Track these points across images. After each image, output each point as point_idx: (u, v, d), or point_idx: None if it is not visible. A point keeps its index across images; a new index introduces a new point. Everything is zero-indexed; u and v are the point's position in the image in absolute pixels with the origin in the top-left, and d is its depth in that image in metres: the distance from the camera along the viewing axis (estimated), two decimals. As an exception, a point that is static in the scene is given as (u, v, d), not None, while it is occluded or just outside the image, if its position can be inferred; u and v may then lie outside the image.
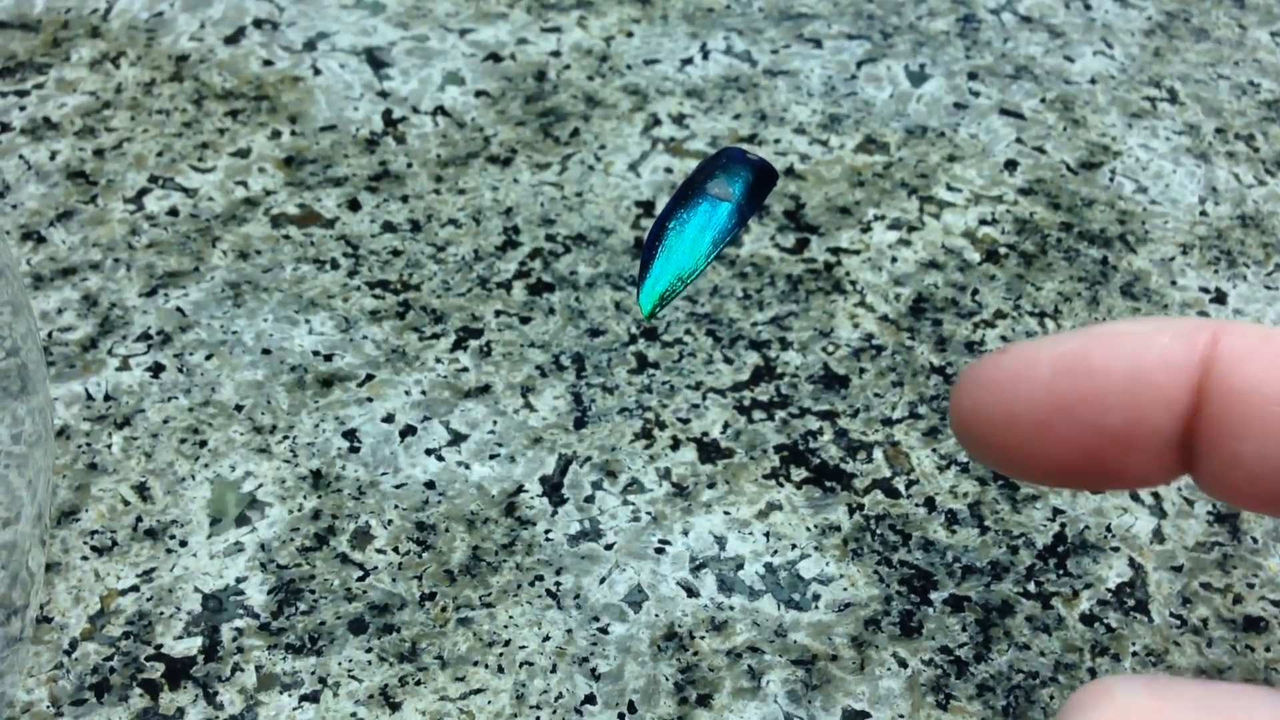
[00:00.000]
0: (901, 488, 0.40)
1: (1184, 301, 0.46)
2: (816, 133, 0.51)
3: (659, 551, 0.38)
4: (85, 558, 0.37)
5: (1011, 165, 0.50)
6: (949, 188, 0.49)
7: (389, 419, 0.41)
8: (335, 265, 0.45)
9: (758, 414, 0.42)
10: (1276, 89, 0.54)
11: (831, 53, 0.54)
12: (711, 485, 0.40)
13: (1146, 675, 0.13)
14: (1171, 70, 0.55)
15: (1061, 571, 0.38)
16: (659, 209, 0.47)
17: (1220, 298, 0.46)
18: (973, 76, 0.54)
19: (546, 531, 0.38)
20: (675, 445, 0.41)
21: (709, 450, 0.41)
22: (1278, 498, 0.13)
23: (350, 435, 0.40)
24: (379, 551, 0.38)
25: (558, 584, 0.37)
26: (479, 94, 0.52)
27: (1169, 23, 0.57)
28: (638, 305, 0.32)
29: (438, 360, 0.42)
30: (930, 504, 0.40)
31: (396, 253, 0.46)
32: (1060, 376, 0.14)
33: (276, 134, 0.49)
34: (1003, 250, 0.47)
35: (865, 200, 0.48)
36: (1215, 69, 0.55)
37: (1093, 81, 0.54)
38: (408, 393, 0.42)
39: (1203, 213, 0.49)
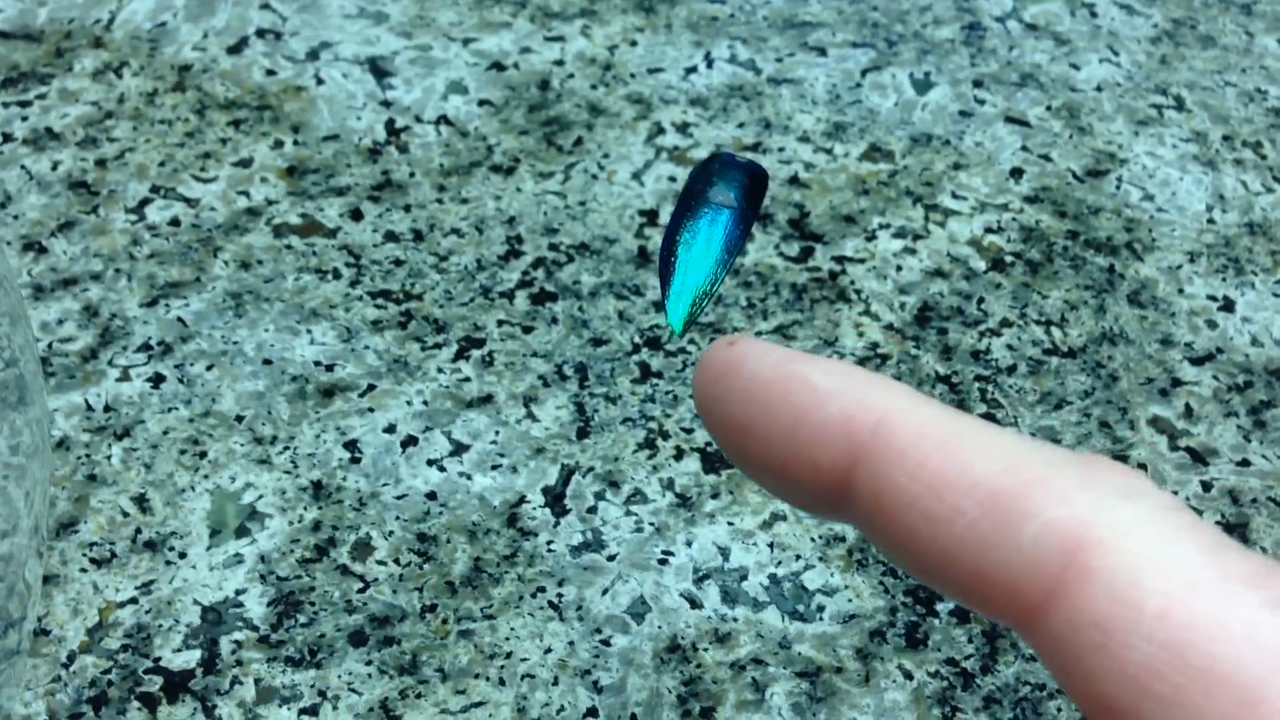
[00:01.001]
0: (907, 498, 0.40)
1: (1191, 309, 0.45)
2: (821, 141, 0.51)
3: (662, 562, 0.38)
4: (84, 570, 0.37)
5: (1017, 173, 0.50)
6: (954, 196, 0.49)
7: (390, 429, 0.41)
8: (337, 275, 0.45)
9: (762, 424, 0.41)
10: (1284, 96, 0.54)
11: (836, 61, 0.54)
12: (715, 496, 0.39)
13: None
14: (1178, 77, 0.54)
15: (1069, 582, 0.38)
16: (663, 218, 0.47)
17: (1228, 305, 0.45)
18: (978, 84, 0.53)
19: (549, 542, 0.38)
20: (679, 455, 0.40)
21: (713, 460, 0.40)
22: (917, 574, 0.13)
23: (351, 446, 0.40)
24: (380, 563, 0.37)
25: (560, 595, 0.37)
26: (482, 103, 0.51)
27: (1175, 30, 0.57)
28: (668, 326, 0.33)
29: (440, 370, 0.42)
30: (936, 514, 0.39)
31: (399, 262, 0.45)
32: (745, 396, 0.14)
33: (279, 144, 0.49)
34: (1008, 258, 0.47)
35: (870, 209, 0.48)
36: (1222, 76, 0.54)
37: (1099, 89, 0.54)
38: (409, 403, 0.41)
39: (1210, 220, 0.48)
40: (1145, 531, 0.12)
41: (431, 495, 0.39)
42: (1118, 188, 0.49)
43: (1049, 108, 0.53)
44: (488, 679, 0.35)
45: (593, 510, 0.39)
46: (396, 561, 0.38)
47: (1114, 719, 0.12)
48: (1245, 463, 0.41)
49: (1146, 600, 0.11)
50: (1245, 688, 0.11)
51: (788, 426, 0.14)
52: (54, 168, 0.48)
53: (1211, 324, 0.45)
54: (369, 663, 0.35)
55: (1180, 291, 0.46)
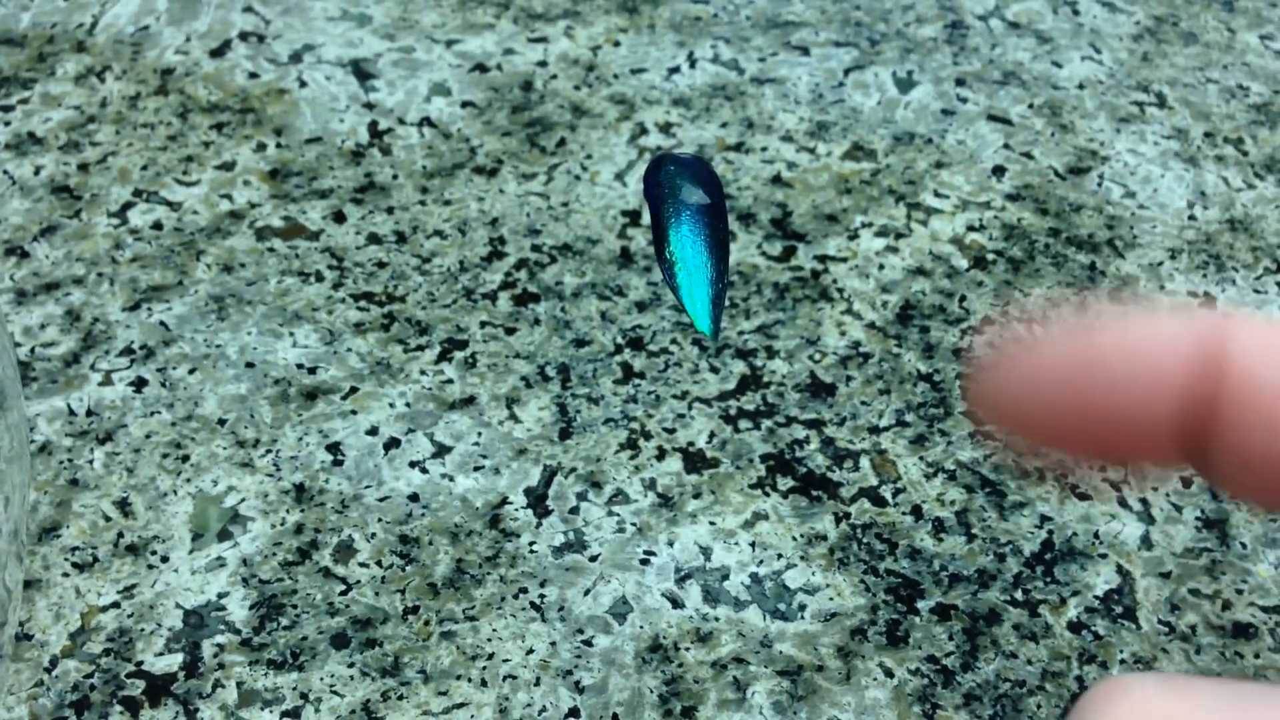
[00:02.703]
0: (888, 496, 0.40)
1: (1172, 306, 0.45)
2: (804, 140, 0.51)
3: (644, 563, 0.38)
4: (66, 574, 0.37)
5: (999, 171, 0.50)
6: (936, 194, 0.49)
7: (373, 431, 0.41)
8: (320, 278, 0.45)
9: (744, 423, 0.41)
10: (1266, 92, 0.54)
11: (819, 60, 0.54)
12: (697, 495, 0.39)
13: (1164, 674, 0.13)
14: (1160, 74, 0.54)
15: (1049, 579, 0.38)
16: (645, 218, 0.47)
17: (1209, 302, 0.46)
18: (960, 83, 0.54)
19: (531, 543, 0.38)
20: (661, 455, 0.40)
21: (695, 460, 0.40)
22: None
23: (334, 448, 0.40)
24: (362, 565, 0.38)
25: (542, 596, 0.37)
26: (465, 105, 0.52)
27: (1157, 27, 0.57)
28: (701, 334, 0.33)
29: (422, 372, 0.42)
30: (917, 512, 0.39)
31: (381, 264, 0.45)
32: (1071, 373, 0.14)
33: (262, 147, 0.49)
34: (990, 256, 0.47)
35: (853, 207, 0.48)
36: (1204, 73, 0.55)
37: (1081, 87, 0.54)
38: (392, 405, 0.41)
39: (1191, 217, 0.48)
40: None
41: (414, 497, 0.39)
42: (1099, 185, 0.50)
43: (1031, 106, 0.53)
44: (470, 680, 0.35)
45: (575, 511, 0.39)
46: (379, 564, 0.38)
47: None
48: (1226, 459, 0.41)
49: None
50: None
51: (1131, 365, 0.13)
52: (36, 172, 0.48)
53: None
54: (351, 665, 0.35)
55: (1161, 288, 0.46)
